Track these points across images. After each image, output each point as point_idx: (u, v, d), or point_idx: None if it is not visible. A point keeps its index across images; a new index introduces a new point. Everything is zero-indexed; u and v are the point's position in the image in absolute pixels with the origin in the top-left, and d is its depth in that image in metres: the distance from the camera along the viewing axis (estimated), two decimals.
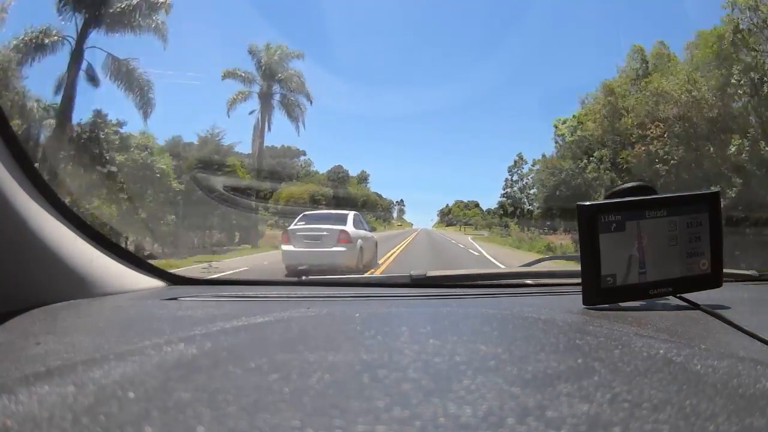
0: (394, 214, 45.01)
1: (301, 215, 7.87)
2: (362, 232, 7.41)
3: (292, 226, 7.28)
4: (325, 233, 6.66)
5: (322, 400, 0.29)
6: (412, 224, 44.51)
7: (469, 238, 25.00)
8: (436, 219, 49.40)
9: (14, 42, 9.74)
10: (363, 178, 37.54)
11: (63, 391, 0.31)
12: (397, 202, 45.14)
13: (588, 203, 0.75)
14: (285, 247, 6.75)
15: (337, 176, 33.58)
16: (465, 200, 46.11)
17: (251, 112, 18.18)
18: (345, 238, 6.58)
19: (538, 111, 34.66)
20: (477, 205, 43.73)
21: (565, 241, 15.52)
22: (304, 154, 33.81)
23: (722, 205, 0.81)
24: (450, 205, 48.19)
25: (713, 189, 0.81)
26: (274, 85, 18.01)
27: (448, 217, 47.12)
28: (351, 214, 7.62)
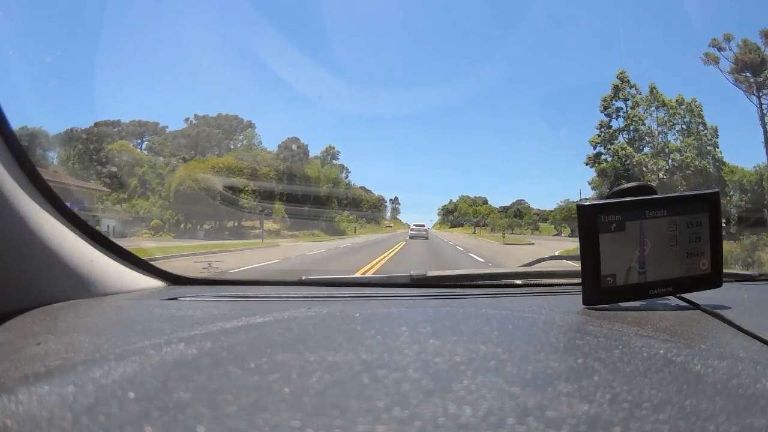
0: (388, 214, 37.82)
1: (412, 225, 22.83)
2: (429, 230, 25.82)
3: (412, 226, 22.31)
4: (421, 227, 22.19)
5: (322, 400, 0.29)
6: (409, 225, 37.98)
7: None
8: (437, 219, 41.61)
9: None
10: (329, 156, 26.60)
11: (63, 391, 0.31)
12: (391, 199, 37.67)
13: (588, 203, 0.75)
14: (411, 231, 21.59)
15: (291, 154, 23.49)
16: (471, 195, 38.51)
17: None
18: (426, 230, 22.59)
19: (539, 111, 34.57)
20: (485, 201, 36.81)
21: None
22: (252, 126, 24.76)
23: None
24: (455, 200, 39.66)
25: (714, 189, 0.81)
26: None
27: (454, 215, 38.96)
28: (426, 224, 23.17)
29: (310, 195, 22.92)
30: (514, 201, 35.44)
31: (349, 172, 30.51)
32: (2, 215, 0.71)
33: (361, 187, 31.97)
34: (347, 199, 28.32)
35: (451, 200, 40.63)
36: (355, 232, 26.36)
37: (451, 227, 38.59)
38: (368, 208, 32.02)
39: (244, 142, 25.17)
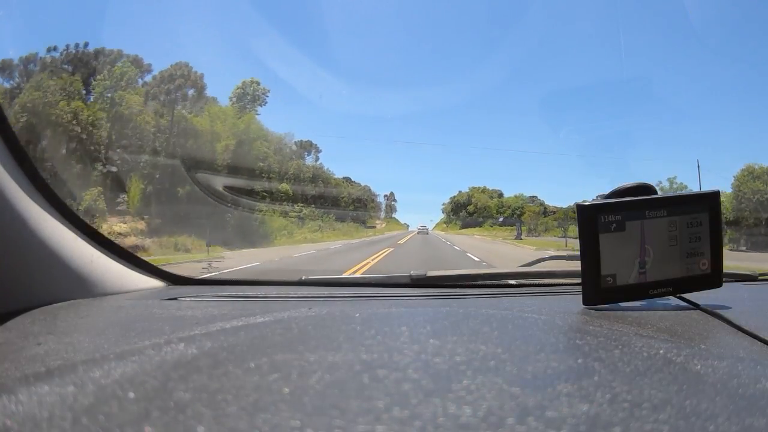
0: (382, 213, 30.90)
1: (418, 225, 28.33)
2: (429, 230, 29.70)
3: (418, 226, 28.58)
4: (424, 227, 29.36)
5: (322, 400, 0.29)
6: (407, 226, 31.91)
7: None
8: (442, 216, 32.33)
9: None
10: (248, 98, 14.54)
11: (63, 391, 0.31)
12: (386, 195, 30.95)
13: (588, 203, 0.75)
14: (418, 229, 27.76)
15: (169, 90, 12.82)
16: (487, 187, 28.13)
17: None
18: (427, 229, 28.98)
19: (539, 110, 34.34)
20: (500, 195, 27.11)
21: None
22: (143, 68, 13.59)
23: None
24: (465, 191, 28.33)
25: (713, 189, 0.81)
26: None
27: (467, 210, 27.54)
28: (427, 225, 26.57)
29: (201, 168, 11.60)
30: (528, 197, 27.02)
31: (320, 152, 21.26)
32: (2, 215, 0.71)
33: (345, 178, 24.17)
34: (316, 190, 18.98)
35: (460, 191, 29.37)
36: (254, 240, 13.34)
37: (463, 228, 26.66)
38: (350, 203, 23.63)
39: (106, 82, 12.68)
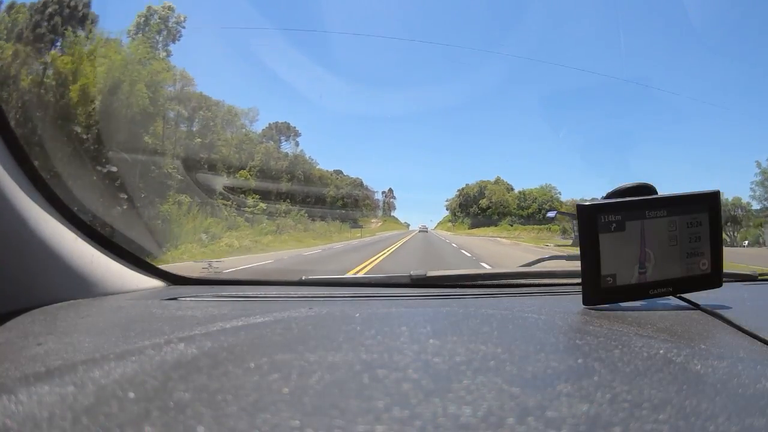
0: (379, 212, 28.39)
1: (419, 225, 31.41)
2: (429, 230, 33.42)
3: (419, 225, 31.95)
4: (424, 226, 33.16)
5: (322, 400, 0.29)
6: (408, 225, 32.60)
7: None
8: (445, 214, 28.86)
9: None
10: (151, 27, 9.46)
11: (63, 391, 0.31)
12: (384, 192, 28.43)
13: (588, 203, 0.75)
14: (418, 228, 31.66)
15: (39, 21, 9.07)
16: (498, 177, 23.85)
17: None
18: (426, 228, 32.04)
19: (539, 109, 34.21)
20: (511, 189, 23.38)
21: None
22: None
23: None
24: (473, 184, 23.89)
25: (713, 189, 0.81)
26: None
27: (479, 206, 22.68)
28: (427, 225, 28.23)
29: (64, 133, 7.71)
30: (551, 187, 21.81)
31: (299, 135, 18.16)
32: (2, 215, 0.71)
33: (336, 171, 21.04)
34: (293, 182, 15.04)
35: (467, 184, 24.48)
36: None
37: (473, 227, 22.03)
38: (338, 199, 20.33)
39: None
